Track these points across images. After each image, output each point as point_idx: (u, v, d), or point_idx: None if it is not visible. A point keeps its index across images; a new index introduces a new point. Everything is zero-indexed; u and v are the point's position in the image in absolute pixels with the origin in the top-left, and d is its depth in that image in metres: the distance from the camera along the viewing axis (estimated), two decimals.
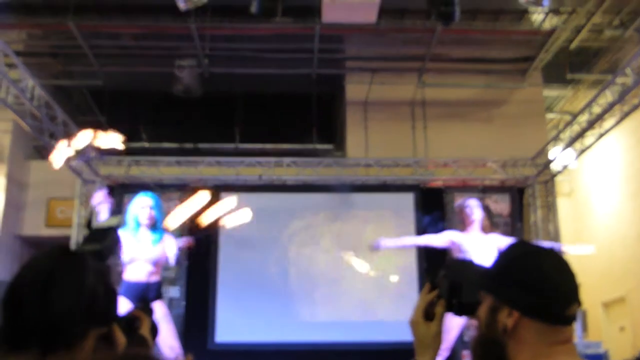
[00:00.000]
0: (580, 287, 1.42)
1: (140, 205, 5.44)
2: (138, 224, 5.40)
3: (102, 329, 1.34)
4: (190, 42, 9.26)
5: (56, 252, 1.32)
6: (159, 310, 5.34)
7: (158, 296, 5.44)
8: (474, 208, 6.12)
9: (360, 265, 8.82)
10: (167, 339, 5.33)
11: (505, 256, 1.48)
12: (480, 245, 5.91)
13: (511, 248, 1.52)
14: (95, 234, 1.59)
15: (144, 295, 5.33)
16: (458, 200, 6.36)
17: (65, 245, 1.37)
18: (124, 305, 5.24)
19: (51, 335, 1.22)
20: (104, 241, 1.54)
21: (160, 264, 5.49)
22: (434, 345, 1.52)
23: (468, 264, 1.58)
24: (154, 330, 1.60)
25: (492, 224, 9.12)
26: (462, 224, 6.25)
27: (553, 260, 1.43)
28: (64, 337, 1.23)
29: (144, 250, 5.36)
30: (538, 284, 1.38)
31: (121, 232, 5.37)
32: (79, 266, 1.29)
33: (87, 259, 1.31)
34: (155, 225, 5.45)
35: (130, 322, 1.50)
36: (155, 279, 5.43)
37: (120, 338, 1.39)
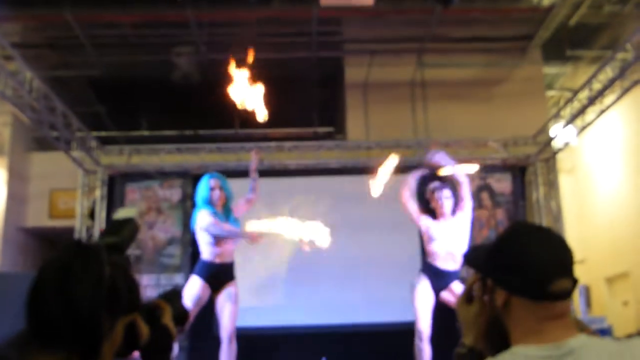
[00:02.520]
0: (572, 262, 1.44)
1: (209, 187, 5.37)
2: (211, 206, 5.34)
3: (127, 318, 1.35)
4: (187, 29, 9.22)
5: (71, 246, 1.32)
6: (233, 288, 5.43)
7: (233, 277, 5.48)
8: (445, 200, 5.88)
9: (363, 246, 8.83)
10: (224, 321, 5.37)
11: (498, 237, 1.54)
12: (449, 232, 5.83)
13: (506, 229, 1.57)
14: (113, 226, 1.58)
15: (222, 276, 5.37)
16: (431, 184, 6.12)
17: (79, 239, 1.38)
18: (196, 285, 5.29)
19: (77, 330, 1.23)
20: (122, 233, 1.54)
21: (236, 244, 5.49)
22: (475, 326, 1.56)
23: (484, 246, 1.61)
24: (181, 317, 1.60)
25: (494, 203, 9.19)
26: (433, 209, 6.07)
27: (538, 238, 1.46)
28: (90, 330, 1.24)
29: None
30: (519, 263, 1.43)
31: (207, 212, 5.27)
32: (96, 258, 1.29)
33: (103, 251, 1.32)
34: (228, 205, 5.43)
35: (151, 312, 1.50)
36: (233, 259, 5.47)
37: (143, 328, 1.40)
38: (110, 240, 1.51)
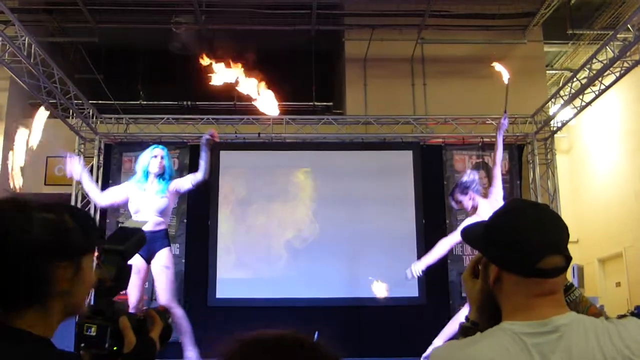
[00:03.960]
0: (566, 240, 1.45)
1: (152, 155, 5.51)
2: (146, 174, 5.48)
3: (91, 255, 1.33)
4: None
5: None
6: (162, 259, 5.40)
7: (163, 245, 5.48)
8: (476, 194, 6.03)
9: (359, 220, 8.85)
10: (161, 291, 5.37)
11: (494, 213, 1.56)
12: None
13: (503, 205, 1.60)
14: (120, 233, 1.58)
15: (150, 245, 5.37)
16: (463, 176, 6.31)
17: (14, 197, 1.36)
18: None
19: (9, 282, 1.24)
20: (127, 242, 1.54)
21: (166, 213, 5.54)
22: (478, 301, 1.57)
23: (482, 222, 1.63)
24: (166, 334, 1.60)
25: (490, 181, 9.18)
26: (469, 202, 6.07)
27: (532, 215, 1.47)
28: (25, 279, 1.25)
29: (149, 201, 5.42)
30: (509, 239, 1.44)
31: (128, 184, 5.47)
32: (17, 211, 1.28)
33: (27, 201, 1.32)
34: (164, 175, 5.51)
35: (142, 323, 1.50)
36: (160, 228, 5.48)
37: (131, 337, 1.41)
38: (114, 247, 1.51)
